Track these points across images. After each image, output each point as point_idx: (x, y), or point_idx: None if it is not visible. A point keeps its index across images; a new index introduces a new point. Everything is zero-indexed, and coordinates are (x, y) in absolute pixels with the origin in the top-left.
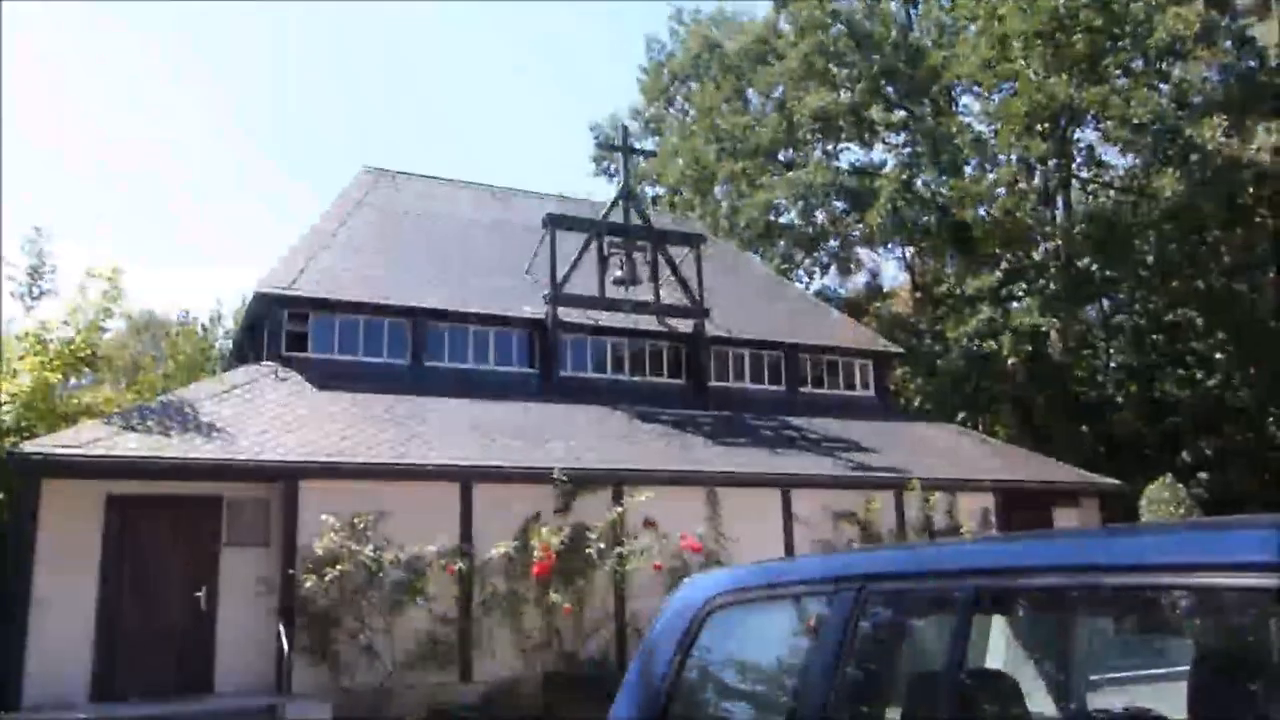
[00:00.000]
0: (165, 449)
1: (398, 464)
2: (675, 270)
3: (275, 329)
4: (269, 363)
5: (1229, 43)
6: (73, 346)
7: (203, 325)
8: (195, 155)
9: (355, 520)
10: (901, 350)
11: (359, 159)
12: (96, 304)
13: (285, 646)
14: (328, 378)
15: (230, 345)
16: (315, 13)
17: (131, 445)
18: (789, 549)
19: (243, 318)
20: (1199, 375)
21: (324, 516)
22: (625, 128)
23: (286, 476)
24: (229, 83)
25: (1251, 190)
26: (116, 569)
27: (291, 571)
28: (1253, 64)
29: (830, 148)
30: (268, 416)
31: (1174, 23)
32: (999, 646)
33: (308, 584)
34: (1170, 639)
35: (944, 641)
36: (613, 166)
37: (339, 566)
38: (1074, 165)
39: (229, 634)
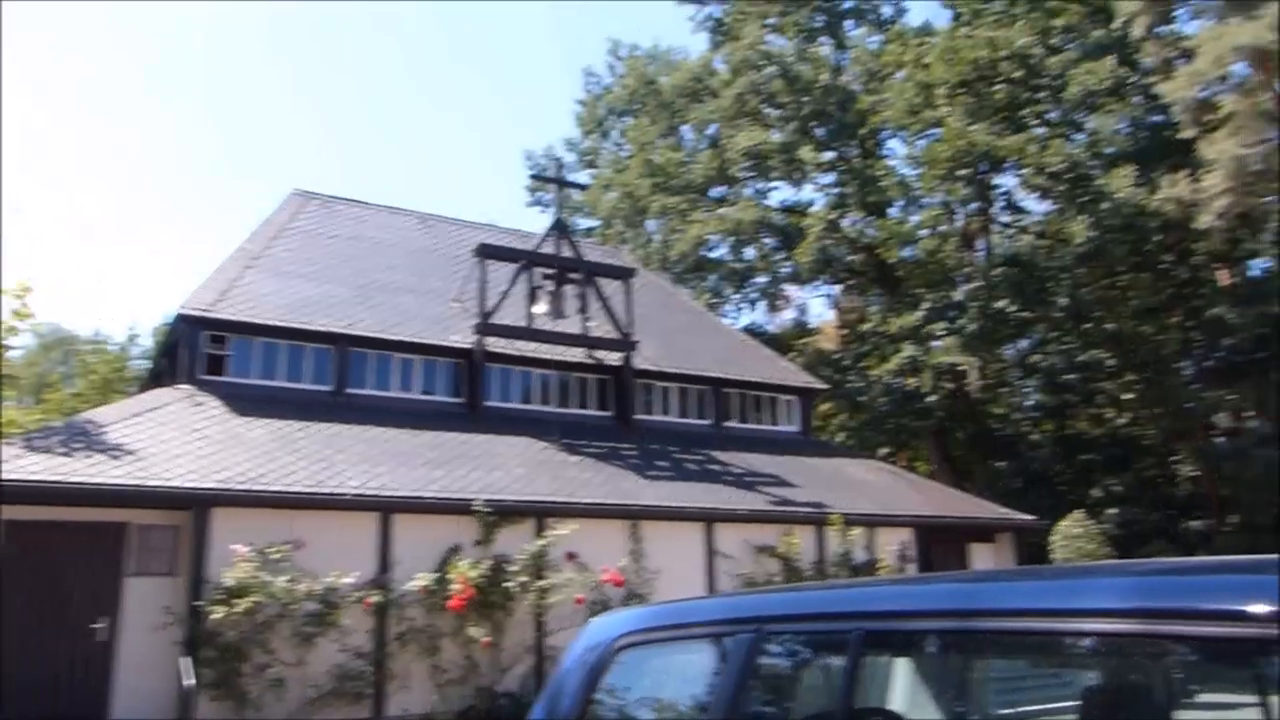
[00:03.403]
0: (69, 473)
1: (315, 493)
2: (605, 303)
3: (194, 351)
4: (186, 386)
5: (1138, 97)
6: None
7: (119, 345)
8: (120, 170)
9: (269, 550)
10: (826, 386)
11: (291, 183)
12: (4, 324)
13: (188, 680)
14: (247, 403)
15: (148, 366)
16: (249, 32)
17: (33, 468)
18: (711, 583)
19: (162, 339)
20: (1109, 414)
21: (235, 546)
22: (559, 160)
23: (198, 504)
24: (161, 100)
25: (1158, 238)
26: (11, 598)
27: (198, 602)
28: (1158, 119)
29: (761, 186)
30: (181, 441)
31: (1087, 77)
32: (901, 686)
33: (215, 615)
34: (1063, 679)
35: (836, 682)
36: (546, 197)
37: (249, 598)
38: (993, 209)
39: (129, 667)
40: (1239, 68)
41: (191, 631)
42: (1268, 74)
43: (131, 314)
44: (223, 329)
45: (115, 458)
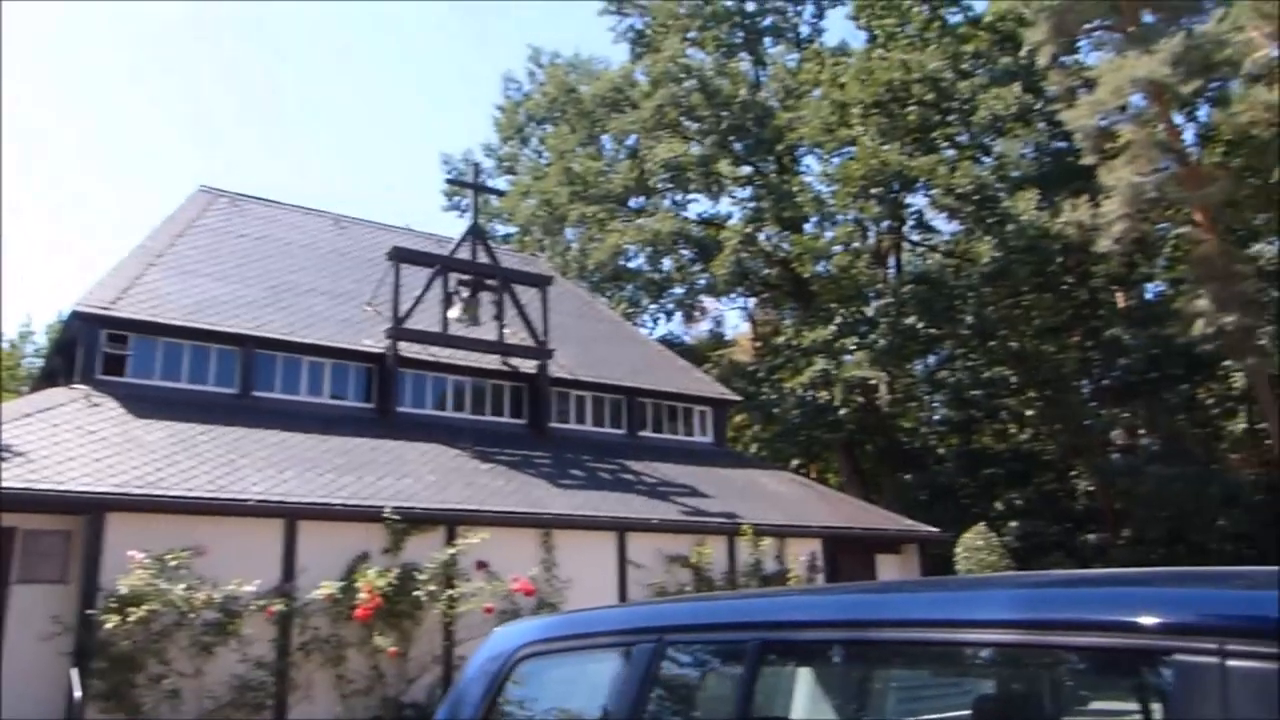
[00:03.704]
0: None
1: (216, 498)
2: (521, 311)
3: (91, 350)
4: (82, 386)
5: (1043, 124)
6: None
7: (11, 342)
8: (12, 159)
9: (167, 557)
10: (740, 398)
11: (197, 179)
12: None
13: (77, 692)
14: (147, 404)
15: (40, 365)
16: (152, 23)
17: None
18: (623, 593)
19: (57, 336)
20: (1012, 430)
21: (131, 553)
22: (477, 165)
23: (92, 509)
24: (58, 88)
25: (1060, 260)
26: None
27: (90, 611)
28: (1061, 145)
29: (679, 198)
30: (75, 443)
31: (995, 102)
32: (802, 695)
33: (108, 624)
34: (961, 687)
35: (734, 692)
36: (464, 202)
37: (145, 606)
38: (904, 228)
39: (13, 677)
40: (1136, 99)
41: (82, 641)
42: (1163, 106)
43: (25, 309)
44: (122, 328)
45: (3, 459)
